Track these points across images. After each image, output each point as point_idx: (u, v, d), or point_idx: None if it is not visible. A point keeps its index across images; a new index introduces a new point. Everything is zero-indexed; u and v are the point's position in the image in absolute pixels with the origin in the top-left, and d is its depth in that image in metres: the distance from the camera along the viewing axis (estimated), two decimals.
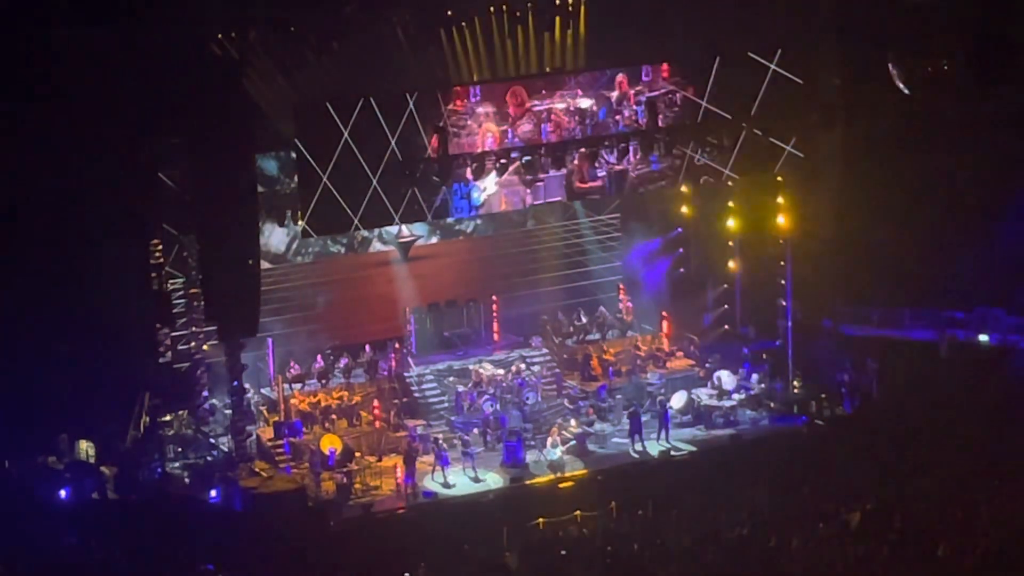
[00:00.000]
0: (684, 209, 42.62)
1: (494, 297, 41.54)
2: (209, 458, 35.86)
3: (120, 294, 35.02)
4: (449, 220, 40.22)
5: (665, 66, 37.19)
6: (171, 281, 36.49)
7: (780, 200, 39.82)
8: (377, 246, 40.69)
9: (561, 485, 34.85)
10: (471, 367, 39.51)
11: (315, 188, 34.76)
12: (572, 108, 36.82)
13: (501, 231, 42.34)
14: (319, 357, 39.05)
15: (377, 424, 37.51)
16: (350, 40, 35.17)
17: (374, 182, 35.40)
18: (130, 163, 34.44)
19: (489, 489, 34.68)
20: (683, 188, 40.76)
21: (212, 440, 36.56)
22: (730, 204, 41.54)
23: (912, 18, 36.72)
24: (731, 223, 41.73)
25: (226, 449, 36.04)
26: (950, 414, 35.77)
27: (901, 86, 37.07)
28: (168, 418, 36.46)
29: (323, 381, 38.49)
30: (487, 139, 36.22)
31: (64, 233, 34.14)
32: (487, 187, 36.75)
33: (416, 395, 38.80)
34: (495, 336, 41.43)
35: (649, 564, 29.25)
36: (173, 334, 36.80)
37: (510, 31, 36.17)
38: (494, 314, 41.51)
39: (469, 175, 36.04)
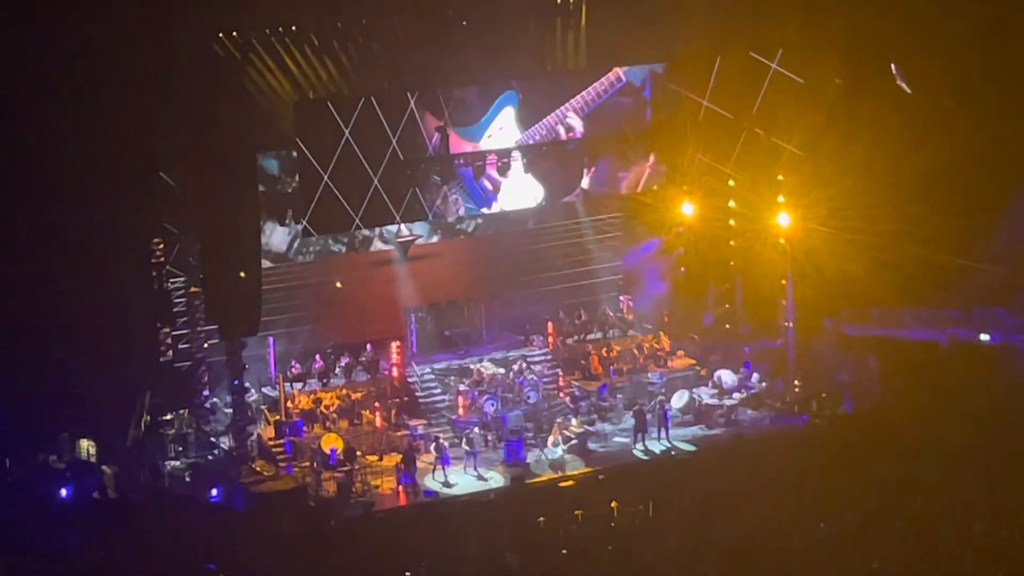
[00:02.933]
0: (685, 208, 42.63)
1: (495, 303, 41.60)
2: (210, 457, 35.90)
3: (121, 293, 35.08)
4: (450, 220, 40.27)
5: None
6: (172, 280, 36.53)
7: (781, 199, 39.84)
8: (378, 245, 40.70)
9: (562, 484, 34.87)
10: (472, 366, 39.52)
11: (316, 187, 34.85)
12: None
13: (502, 230, 42.31)
14: (319, 356, 39.07)
15: (378, 423, 37.53)
16: (351, 39, 35.21)
17: (375, 181, 35.46)
18: (131, 162, 34.45)
19: (490, 488, 34.70)
20: (684, 187, 40.78)
21: (213, 439, 36.58)
22: (731, 203, 41.56)
23: (914, 17, 36.73)
24: (732, 222, 41.73)
25: (227, 448, 36.07)
26: (950, 413, 35.75)
27: (903, 85, 37.09)
28: (169, 417, 36.48)
29: (324, 380, 38.51)
30: None
31: (65, 232, 34.14)
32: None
33: (417, 394, 38.80)
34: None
35: (650, 563, 29.26)
36: (174, 333, 36.86)
37: (511, 31, 36.18)
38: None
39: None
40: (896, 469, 33.51)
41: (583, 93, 37.82)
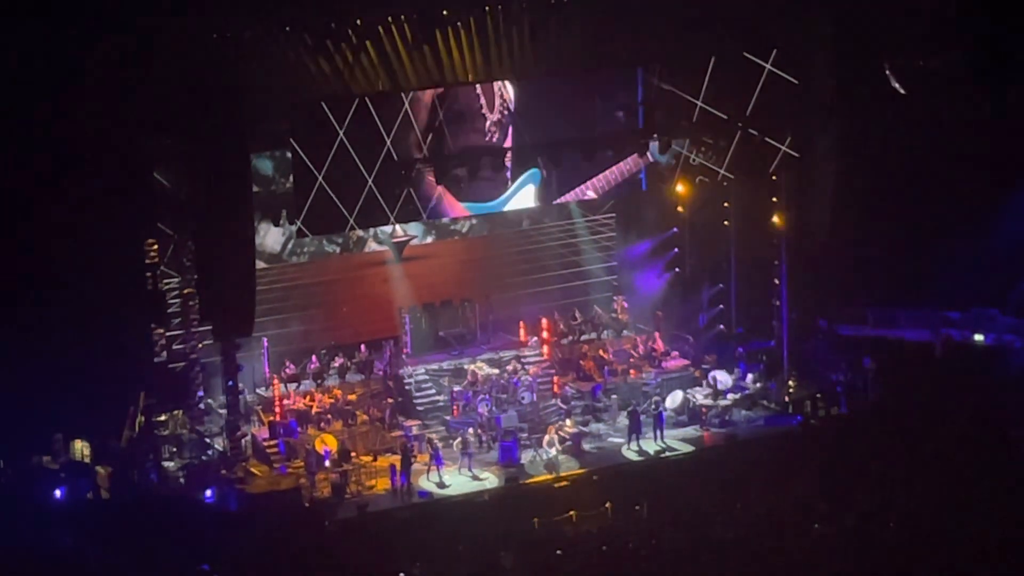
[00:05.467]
0: (679, 209, 42.64)
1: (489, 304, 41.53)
2: (204, 458, 35.85)
3: (115, 294, 34.99)
4: (444, 220, 40.25)
5: None
6: (166, 281, 36.48)
7: (775, 200, 39.86)
8: (372, 246, 40.70)
9: (557, 485, 34.85)
10: (467, 367, 39.50)
11: (310, 188, 34.83)
12: None
13: (496, 231, 42.34)
14: (314, 357, 39.04)
15: (373, 424, 37.49)
16: (345, 39, 35.17)
17: (369, 182, 35.46)
18: (125, 163, 34.38)
19: (484, 489, 34.67)
20: (678, 188, 40.80)
21: (207, 440, 36.56)
22: (725, 204, 41.57)
23: (908, 17, 36.75)
24: (726, 223, 41.75)
25: (221, 449, 36.03)
26: (945, 414, 35.76)
27: (896, 86, 37.12)
28: (163, 418, 36.46)
29: (318, 381, 38.48)
30: None
31: (59, 233, 34.08)
32: None
33: (411, 395, 38.77)
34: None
35: (644, 564, 29.26)
36: (168, 334, 36.85)
37: (505, 31, 36.16)
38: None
39: None
40: (891, 470, 33.55)
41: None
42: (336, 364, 39.11)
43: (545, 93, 37.96)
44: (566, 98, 38.01)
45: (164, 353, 36.73)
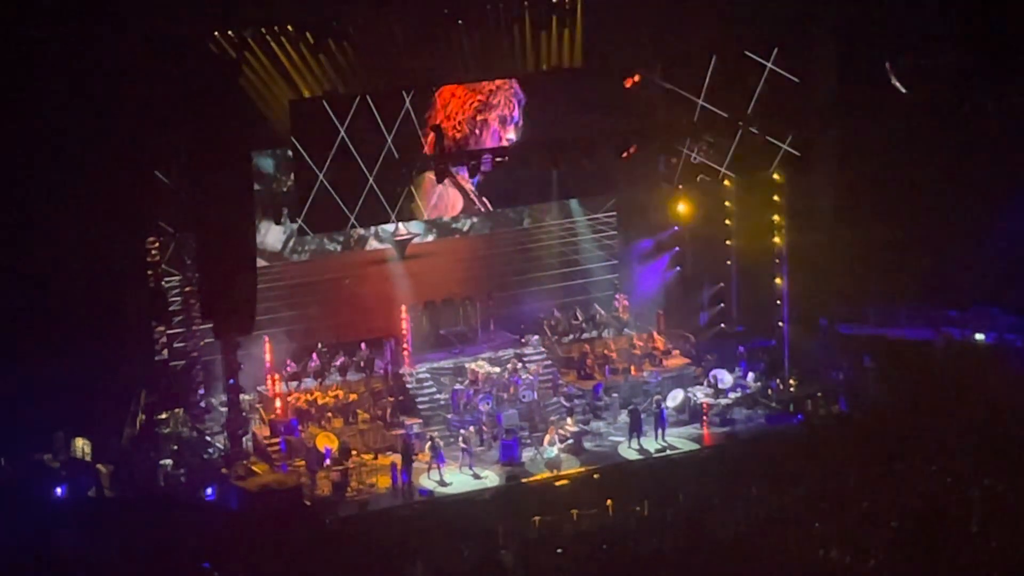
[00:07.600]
0: (680, 207, 42.64)
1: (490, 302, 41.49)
2: (205, 456, 35.87)
3: (116, 292, 35.06)
4: (446, 218, 40.24)
5: None
6: (167, 279, 36.53)
7: (776, 199, 39.87)
8: (373, 244, 40.70)
9: (557, 483, 34.88)
10: (468, 365, 39.50)
11: (311, 186, 34.80)
12: None
13: (497, 229, 42.33)
14: (315, 355, 39.04)
15: (374, 422, 37.50)
16: (346, 37, 35.20)
17: (370, 180, 35.43)
18: (127, 161, 34.42)
19: (485, 487, 34.70)
20: (679, 187, 40.80)
21: (208, 438, 36.56)
22: (727, 203, 41.58)
23: (908, 17, 36.77)
24: (727, 221, 41.76)
25: (222, 447, 36.04)
26: (946, 413, 35.78)
27: (898, 85, 37.13)
28: (164, 416, 36.47)
29: (319, 379, 38.49)
30: None
31: (60, 230, 34.12)
32: None
33: (412, 393, 38.78)
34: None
35: (644, 563, 29.28)
36: (169, 332, 36.87)
37: (507, 30, 36.16)
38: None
39: None
40: (891, 468, 33.56)
41: None
42: (337, 362, 39.10)
43: (546, 92, 37.85)
44: (567, 97, 37.87)
45: (165, 351, 36.76)
